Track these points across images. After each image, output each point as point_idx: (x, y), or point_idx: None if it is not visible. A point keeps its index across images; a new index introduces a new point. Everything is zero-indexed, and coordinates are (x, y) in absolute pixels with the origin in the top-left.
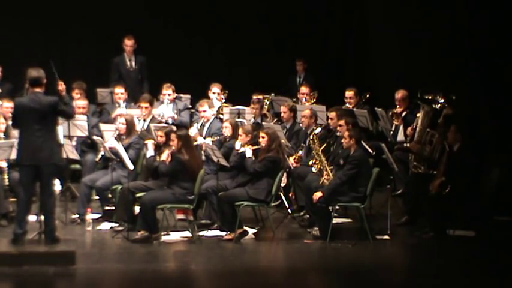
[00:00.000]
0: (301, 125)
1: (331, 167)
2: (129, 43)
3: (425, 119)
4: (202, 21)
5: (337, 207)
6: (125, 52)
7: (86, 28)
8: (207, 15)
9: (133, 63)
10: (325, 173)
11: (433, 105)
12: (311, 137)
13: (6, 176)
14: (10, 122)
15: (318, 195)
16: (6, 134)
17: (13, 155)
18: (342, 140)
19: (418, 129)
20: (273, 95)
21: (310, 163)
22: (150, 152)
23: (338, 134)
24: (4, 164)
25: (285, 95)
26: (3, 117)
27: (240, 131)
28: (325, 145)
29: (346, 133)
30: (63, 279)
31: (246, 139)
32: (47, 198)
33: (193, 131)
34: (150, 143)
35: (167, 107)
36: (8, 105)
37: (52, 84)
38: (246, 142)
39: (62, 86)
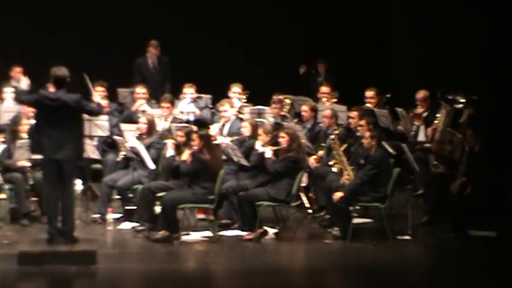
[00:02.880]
0: (321, 124)
1: (352, 167)
2: (154, 51)
3: (446, 119)
4: (222, 21)
5: (357, 207)
6: (148, 53)
7: (106, 29)
8: (228, 15)
9: (156, 64)
10: (345, 173)
11: (454, 105)
12: (332, 137)
13: (30, 175)
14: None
15: (338, 195)
16: (30, 135)
17: (35, 155)
18: (363, 140)
19: (439, 129)
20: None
21: (331, 163)
22: (169, 151)
23: (358, 134)
24: (27, 164)
25: (305, 96)
26: (26, 118)
27: (260, 131)
28: (345, 145)
29: (367, 133)
30: (84, 279)
31: (266, 139)
32: (67, 197)
33: (213, 130)
34: (169, 143)
35: (188, 105)
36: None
37: (87, 96)
38: (266, 142)
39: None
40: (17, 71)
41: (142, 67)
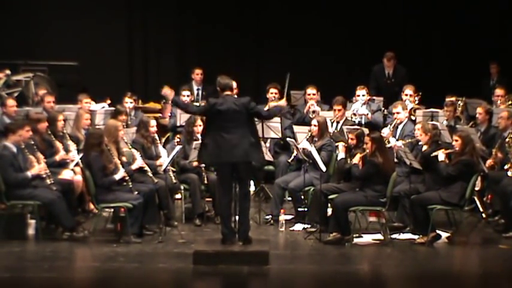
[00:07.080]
0: (497, 126)
1: None
2: (386, 63)
3: None
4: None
5: None
6: (383, 63)
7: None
8: None
9: (391, 74)
10: None
11: None
12: (507, 140)
13: (204, 175)
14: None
15: None
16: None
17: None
18: None
19: None
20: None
21: (506, 167)
22: (340, 154)
23: None
24: (202, 165)
25: (478, 98)
26: (200, 120)
27: (420, 130)
28: None
29: None
30: (257, 279)
31: (425, 138)
32: (243, 198)
33: (385, 131)
34: (340, 145)
35: (361, 107)
36: None
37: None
38: (425, 141)
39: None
40: (197, 73)
41: (378, 75)
